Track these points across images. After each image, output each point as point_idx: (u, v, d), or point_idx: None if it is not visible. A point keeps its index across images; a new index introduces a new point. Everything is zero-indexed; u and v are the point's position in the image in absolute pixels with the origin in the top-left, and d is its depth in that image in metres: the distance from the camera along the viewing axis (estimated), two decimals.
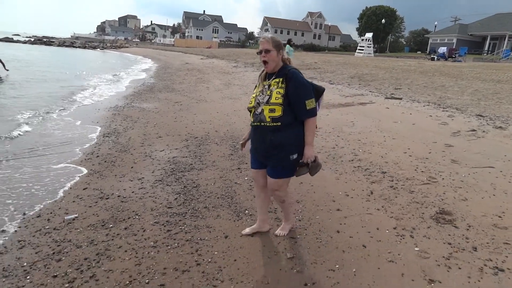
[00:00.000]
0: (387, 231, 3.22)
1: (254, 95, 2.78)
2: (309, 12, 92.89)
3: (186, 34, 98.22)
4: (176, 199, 3.91)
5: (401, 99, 10.03)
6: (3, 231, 3.27)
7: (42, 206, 3.77)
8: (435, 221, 3.39)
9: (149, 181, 4.43)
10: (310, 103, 2.57)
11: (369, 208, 3.66)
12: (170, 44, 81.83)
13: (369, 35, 42.34)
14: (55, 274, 2.63)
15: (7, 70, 15.85)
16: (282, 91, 2.58)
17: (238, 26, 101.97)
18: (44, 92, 12.23)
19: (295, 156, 2.65)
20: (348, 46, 77.03)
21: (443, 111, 8.28)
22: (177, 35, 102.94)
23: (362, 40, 44.26)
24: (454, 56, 33.04)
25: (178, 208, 3.69)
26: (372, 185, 4.25)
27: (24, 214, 3.60)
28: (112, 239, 3.10)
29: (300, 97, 2.56)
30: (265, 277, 2.58)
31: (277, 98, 2.57)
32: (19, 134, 6.67)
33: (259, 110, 2.66)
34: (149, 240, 3.09)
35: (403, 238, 3.10)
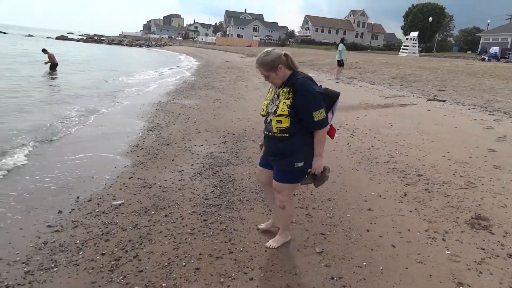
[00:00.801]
0: (418, 233, 3.22)
1: (266, 103, 2.71)
2: (351, 10, 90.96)
3: (227, 33, 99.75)
4: (212, 191, 4.13)
5: (444, 101, 9.69)
6: (60, 211, 3.64)
7: (92, 192, 4.13)
8: (469, 226, 3.34)
9: (188, 173, 4.70)
10: (318, 115, 2.46)
11: (402, 210, 3.66)
12: (211, 42, 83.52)
13: (414, 34, 40.78)
14: (103, 252, 2.92)
15: (56, 64, 16.78)
16: (288, 102, 2.50)
17: (279, 24, 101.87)
18: (93, 87, 13.07)
19: (300, 164, 2.60)
20: (392, 45, 74.57)
21: (489, 114, 7.93)
22: (219, 34, 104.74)
23: (407, 39, 42.71)
24: (507, 56, 31.04)
25: (214, 200, 3.91)
26: (406, 187, 4.23)
27: (78, 198, 3.97)
28: (154, 225, 3.37)
29: (307, 109, 2.46)
30: (294, 268, 2.71)
31: (283, 110, 2.51)
32: (71, 127, 7.25)
33: (268, 120, 2.63)
34: (186, 227, 3.32)
35: (435, 241, 3.10)
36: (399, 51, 42.93)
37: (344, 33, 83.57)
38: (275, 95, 2.63)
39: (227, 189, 4.19)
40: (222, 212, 3.62)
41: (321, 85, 2.69)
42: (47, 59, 16.11)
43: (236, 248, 2.97)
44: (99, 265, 2.75)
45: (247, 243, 3.06)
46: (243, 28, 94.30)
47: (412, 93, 11.18)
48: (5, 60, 20.60)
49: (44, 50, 16.27)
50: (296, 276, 2.62)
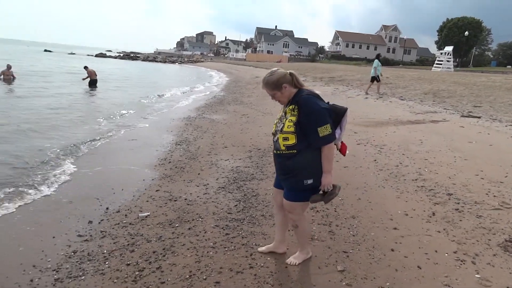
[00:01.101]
0: (446, 254, 3.10)
1: (276, 121, 2.74)
2: (383, 25, 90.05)
3: (257, 49, 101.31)
4: (236, 205, 4.17)
5: (479, 117, 9.31)
6: (90, 222, 3.80)
7: (121, 203, 4.29)
8: (503, 249, 3.17)
9: (213, 187, 4.77)
10: (323, 130, 2.46)
11: (429, 230, 3.54)
12: (242, 58, 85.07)
13: (448, 48, 39.64)
14: (128, 263, 3.01)
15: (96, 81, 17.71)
16: (294, 118, 2.53)
17: (309, 40, 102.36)
18: (127, 103, 13.62)
19: (309, 181, 2.58)
20: (426, 60, 72.85)
21: None
22: (249, 50, 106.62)
23: (441, 53, 41.58)
24: None
25: (237, 214, 3.94)
26: (435, 206, 4.08)
27: (107, 208, 4.14)
28: (177, 237, 3.44)
29: (312, 124, 2.47)
30: (314, 286, 2.68)
31: (289, 127, 2.54)
32: (103, 138, 7.59)
33: (276, 138, 2.66)
34: (209, 241, 3.37)
35: (464, 264, 2.96)
36: (432, 66, 41.83)
37: (375, 48, 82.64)
38: (283, 113, 2.67)
39: (250, 203, 4.22)
40: (244, 226, 3.64)
41: (328, 102, 2.69)
42: (86, 75, 17.05)
43: (256, 263, 2.98)
44: (124, 275, 2.84)
45: (268, 258, 3.06)
46: (273, 44, 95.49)
47: (445, 109, 10.84)
48: (54, 77, 21.93)
49: (85, 67, 17.32)
50: None
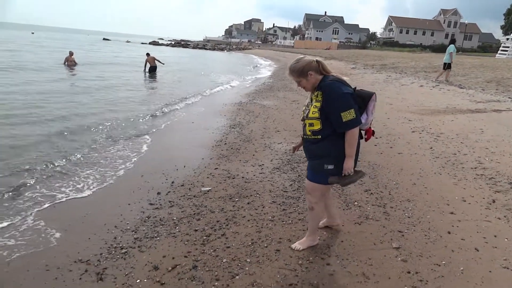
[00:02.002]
0: (506, 239, 3.08)
1: (303, 108, 2.78)
2: (442, 9, 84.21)
3: (305, 36, 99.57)
4: (291, 185, 4.37)
5: None
6: (158, 193, 4.20)
7: (184, 178, 4.66)
8: None
9: (268, 167, 5.00)
10: (347, 115, 2.46)
11: (488, 216, 3.50)
12: (289, 45, 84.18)
13: None
14: (196, 229, 3.34)
15: (163, 64, 18.71)
16: (319, 104, 2.56)
17: (360, 26, 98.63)
18: (182, 87, 14.25)
19: (330, 166, 2.62)
20: (489, 47, 67.33)
21: None
22: (297, 37, 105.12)
23: (507, 39, 38.29)
24: None
25: (292, 192, 4.14)
26: (495, 194, 4.00)
27: (173, 182, 4.53)
28: (238, 210, 3.72)
29: (335, 109, 2.48)
30: (370, 259, 2.82)
31: (314, 112, 2.58)
32: (165, 121, 8.12)
33: (303, 124, 2.72)
34: (267, 214, 3.61)
35: None
36: (496, 53, 38.70)
37: (432, 34, 77.86)
38: (309, 100, 2.72)
39: (304, 184, 4.39)
40: (300, 204, 3.84)
41: (355, 87, 2.69)
42: (146, 62, 17.93)
43: None
44: (193, 239, 3.17)
45: (324, 233, 3.23)
46: (322, 31, 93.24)
47: (509, 98, 10.16)
48: (116, 64, 23.38)
49: (147, 54, 18.27)
50: (372, 267, 2.72)
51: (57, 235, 3.28)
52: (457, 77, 15.14)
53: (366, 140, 2.86)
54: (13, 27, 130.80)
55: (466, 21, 73.34)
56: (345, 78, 2.68)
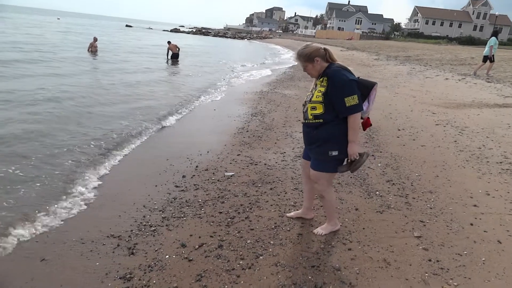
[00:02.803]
0: None
1: (308, 94, 2.83)
2: (471, 0, 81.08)
3: (327, 25, 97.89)
4: None
5: None
6: (184, 176, 4.35)
7: (208, 163, 4.79)
8: None
9: (290, 155, 5.07)
10: (350, 100, 2.53)
11: None
12: (311, 35, 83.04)
13: None
14: (221, 211, 3.46)
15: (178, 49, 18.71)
16: (323, 89, 2.62)
17: (384, 16, 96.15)
18: (204, 75, 14.39)
19: (334, 152, 2.66)
20: None
21: None
22: (319, 26, 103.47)
23: None
24: None
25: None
26: None
27: (197, 167, 4.66)
28: (261, 195, 3.82)
29: (339, 94, 2.55)
30: (391, 247, 2.87)
31: (317, 96, 2.64)
32: (188, 108, 8.29)
33: (305, 108, 2.76)
34: (289, 200, 3.70)
35: None
36: None
37: (460, 26, 75.22)
38: (314, 86, 2.78)
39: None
40: None
41: (358, 77, 2.73)
42: (169, 50, 18.10)
43: (335, 223, 3.23)
44: (218, 220, 3.29)
45: (346, 220, 3.30)
46: (344, 21, 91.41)
47: None
48: (139, 50, 23.74)
49: (168, 42, 18.45)
50: (393, 253, 2.78)
51: (90, 211, 3.47)
52: (484, 71, 14.70)
53: (364, 129, 2.89)
54: (38, 12, 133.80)
55: (496, 13, 70.48)
56: (349, 68, 2.73)
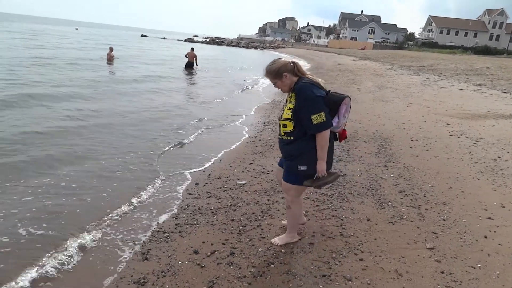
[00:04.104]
0: None
1: (281, 108, 2.82)
2: (487, 9, 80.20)
3: (340, 35, 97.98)
4: None
5: None
6: (197, 184, 4.41)
7: (221, 171, 4.85)
8: None
9: None
10: (317, 118, 2.50)
11: None
12: (323, 45, 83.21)
13: None
14: (233, 219, 3.50)
15: (197, 66, 19.02)
16: (292, 106, 2.62)
17: (398, 26, 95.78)
18: (217, 84, 14.58)
19: (303, 167, 2.66)
20: None
21: None
22: (331, 36, 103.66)
23: None
24: None
25: (326, 190, 4.21)
26: None
27: (209, 175, 4.73)
28: (273, 204, 3.85)
29: (305, 112, 2.53)
30: (403, 257, 2.86)
31: (287, 114, 2.65)
32: (202, 117, 8.41)
33: (279, 124, 2.78)
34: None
35: None
36: None
37: (475, 35, 74.38)
38: (285, 101, 2.78)
39: (338, 182, 4.45)
40: (333, 201, 3.91)
41: (329, 90, 2.70)
42: (187, 55, 18.37)
43: (347, 233, 3.24)
44: (230, 228, 3.33)
45: (358, 230, 3.30)
46: (357, 30, 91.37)
47: None
48: (155, 59, 24.20)
49: (192, 49, 18.65)
50: (405, 265, 2.77)
51: (105, 217, 3.55)
52: (501, 81, 14.51)
53: (340, 141, 2.89)
54: (56, 23, 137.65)
55: None
56: (319, 80, 2.69)
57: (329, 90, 2.71)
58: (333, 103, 2.62)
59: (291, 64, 2.66)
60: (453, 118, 8.13)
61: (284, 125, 2.68)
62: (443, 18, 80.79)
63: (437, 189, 4.25)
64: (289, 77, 2.65)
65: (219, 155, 5.56)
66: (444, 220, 3.50)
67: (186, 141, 6.33)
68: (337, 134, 2.84)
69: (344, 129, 2.81)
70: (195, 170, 4.91)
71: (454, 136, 6.64)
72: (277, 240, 3.06)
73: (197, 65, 18.82)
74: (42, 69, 13.44)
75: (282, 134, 2.72)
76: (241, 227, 3.34)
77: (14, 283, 2.56)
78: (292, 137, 2.66)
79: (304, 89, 2.56)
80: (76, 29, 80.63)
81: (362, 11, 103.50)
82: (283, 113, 2.70)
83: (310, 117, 2.52)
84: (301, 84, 2.59)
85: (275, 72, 2.66)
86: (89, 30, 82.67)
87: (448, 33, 75.36)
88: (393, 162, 5.21)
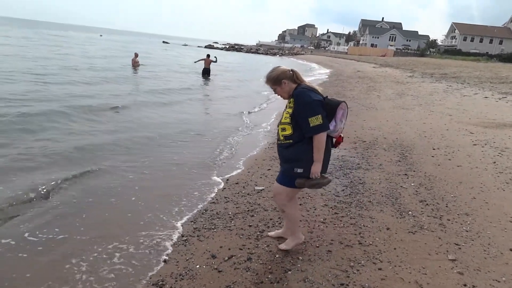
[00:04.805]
0: None
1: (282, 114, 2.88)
2: None
3: (360, 42, 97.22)
4: (343, 190, 4.40)
5: None
6: (215, 189, 4.45)
7: (239, 177, 4.88)
8: None
9: None
10: (314, 120, 2.56)
11: None
12: (343, 52, 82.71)
13: None
14: (250, 224, 3.51)
15: (215, 61, 18.66)
16: (290, 110, 2.70)
17: (419, 33, 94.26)
18: (235, 91, 14.71)
19: (299, 170, 2.68)
20: None
21: None
22: (351, 43, 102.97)
23: None
24: None
25: (344, 197, 4.18)
26: None
27: (227, 180, 4.76)
28: None
29: (303, 115, 2.60)
30: (424, 269, 2.80)
31: (286, 118, 2.72)
32: (220, 123, 8.48)
33: (277, 129, 2.83)
34: (319, 216, 3.69)
35: None
36: None
37: (501, 42, 72.33)
38: (285, 107, 2.83)
39: (357, 190, 4.41)
40: (352, 209, 3.87)
41: (326, 96, 2.75)
42: (203, 60, 18.36)
43: (365, 241, 3.20)
44: (247, 233, 3.34)
45: (377, 239, 3.25)
46: (378, 37, 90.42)
47: None
48: (176, 66, 24.66)
49: (208, 55, 18.66)
50: (426, 276, 2.71)
51: (123, 219, 3.62)
52: None
53: (335, 146, 2.89)
54: (80, 29, 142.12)
55: None
56: (318, 88, 2.75)
57: (326, 96, 2.78)
58: (330, 107, 2.70)
59: (290, 71, 2.76)
60: (477, 127, 7.92)
61: (283, 129, 2.74)
62: (467, 25, 79.01)
63: (459, 199, 4.14)
64: (288, 84, 2.74)
65: (237, 161, 5.59)
66: (467, 231, 3.41)
67: (202, 145, 6.40)
68: (333, 139, 2.85)
69: (341, 135, 2.85)
70: (214, 174, 4.96)
71: (478, 145, 6.47)
72: (284, 246, 3.06)
73: (215, 61, 18.48)
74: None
75: (281, 138, 2.77)
76: (258, 233, 3.34)
77: None
78: (291, 141, 2.71)
79: (302, 93, 2.66)
80: (100, 35, 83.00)
81: (383, 18, 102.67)
82: (282, 118, 2.78)
83: (307, 120, 2.59)
84: (299, 89, 2.69)
85: (274, 79, 2.76)
86: (113, 37, 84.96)
87: (472, 40, 73.62)
88: (414, 171, 5.12)
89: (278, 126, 2.83)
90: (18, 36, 39.65)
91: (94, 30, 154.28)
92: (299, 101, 2.64)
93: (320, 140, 2.62)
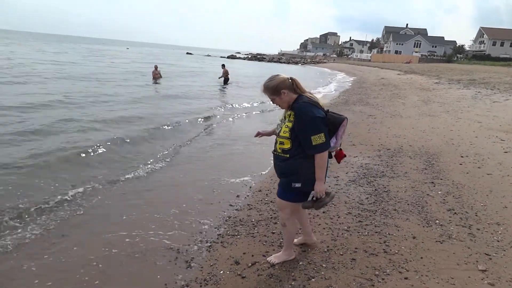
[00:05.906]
0: None
1: (278, 122, 2.79)
2: None
3: (384, 49, 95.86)
4: (367, 198, 4.35)
5: None
6: (238, 196, 4.50)
7: (262, 184, 4.91)
8: None
9: (343, 180, 5.02)
10: (316, 139, 2.46)
11: None
12: (366, 59, 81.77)
13: None
14: (273, 232, 3.53)
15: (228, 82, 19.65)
16: (290, 125, 2.57)
17: (445, 39, 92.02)
18: (253, 101, 14.81)
19: (297, 185, 2.62)
20: None
21: None
22: (374, 50, 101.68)
23: None
24: None
25: (369, 205, 4.12)
26: None
27: (250, 187, 4.80)
28: (313, 218, 3.82)
29: (304, 132, 2.50)
30: (452, 279, 2.72)
31: (285, 132, 2.60)
32: (241, 129, 8.56)
33: (275, 140, 2.73)
34: (343, 225, 3.66)
35: None
36: None
37: None
38: (283, 117, 2.73)
39: (381, 198, 4.34)
40: (376, 217, 3.81)
41: (328, 110, 2.64)
42: (221, 74, 19.15)
43: (391, 250, 3.14)
44: (271, 240, 3.36)
45: (403, 247, 3.19)
46: (402, 44, 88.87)
47: None
48: (200, 75, 25.16)
49: (222, 66, 19.43)
50: (454, 286, 2.63)
51: (150, 225, 3.72)
52: None
53: (339, 161, 2.82)
54: (109, 43, 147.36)
55: None
56: (319, 98, 2.66)
57: (328, 110, 2.68)
58: (332, 124, 2.61)
59: (290, 80, 2.63)
60: (508, 134, 7.63)
61: (281, 143, 2.64)
62: (496, 29, 76.47)
63: (490, 208, 4.00)
64: (287, 94, 2.61)
65: (259, 168, 5.63)
66: (498, 241, 3.29)
67: (225, 153, 6.48)
68: (333, 153, 2.79)
69: (340, 149, 2.79)
70: (236, 182, 5.01)
71: (510, 153, 6.23)
72: (273, 259, 3.01)
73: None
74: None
75: (279, 151, 2.68)
76: (281, 240, 3.35)
77: None
78: (288, 155, 2.62)
79: (304, 109, 2.52)
80: (127, 48, 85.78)
81: (407, 24, 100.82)
82: (281, 131, 2.66)
83: (310, 138, 2.49)
84: (300, 104, 2.55)
85: (273, 89, 2.62)
86: (139, 49, 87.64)
87: (502, 44, 71.18)
88: (441, 179, 4.99)
89: (276, 138, 2.74)
90: (65, 51, 41.72)
91: (119, 43, 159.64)
92: (301, 117, 2.51)
93: (322, 158, 2.54)
